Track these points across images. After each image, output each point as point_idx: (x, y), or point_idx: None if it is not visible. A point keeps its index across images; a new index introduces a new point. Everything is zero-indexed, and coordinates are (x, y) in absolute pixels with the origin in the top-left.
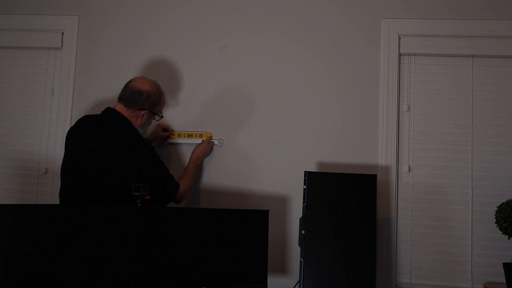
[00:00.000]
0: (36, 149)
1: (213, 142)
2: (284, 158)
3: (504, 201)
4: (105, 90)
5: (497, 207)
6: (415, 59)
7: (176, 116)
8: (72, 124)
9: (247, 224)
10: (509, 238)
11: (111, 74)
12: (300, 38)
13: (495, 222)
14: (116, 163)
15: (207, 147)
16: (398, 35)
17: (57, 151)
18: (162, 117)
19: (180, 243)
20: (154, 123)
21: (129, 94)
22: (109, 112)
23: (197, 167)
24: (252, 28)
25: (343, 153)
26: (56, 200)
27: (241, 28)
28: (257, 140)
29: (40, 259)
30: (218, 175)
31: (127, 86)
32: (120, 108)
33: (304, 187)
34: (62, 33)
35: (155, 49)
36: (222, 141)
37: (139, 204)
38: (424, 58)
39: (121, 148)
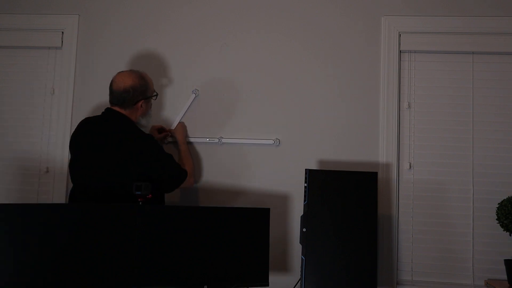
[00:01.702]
0: (37, 149)
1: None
2: (285, 156)
3: (505, 197)
4: (105, 90)
5: (498, 203)
6: (415, 56)
7: (177, 115)
8: (73, 124)
9: (248, 222)
10: (510, 235)
11: (111, 74)
12: (300, 37)
13: (496, 219)
14: (123, 161)
15: (183, 125)
16: (398, 32)
17: (57, 151)
18: (157, 94)
19: (181, 242)
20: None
21: (118, 97)
22: (109, 112)
23: (187, 145)
24: (252, 28)
25: (344, 151)
26: (56, 199)
27: (241, 28)
28: (258, 139)
29: (41, 257)
30: (219, 173)
31: (112, 90)
32: (118, 108)
33: (305, 185)
34: (62, 32)
35: (155, 48)
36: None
37: (140, 203)
38: (424, 55)
39: (126, 146)
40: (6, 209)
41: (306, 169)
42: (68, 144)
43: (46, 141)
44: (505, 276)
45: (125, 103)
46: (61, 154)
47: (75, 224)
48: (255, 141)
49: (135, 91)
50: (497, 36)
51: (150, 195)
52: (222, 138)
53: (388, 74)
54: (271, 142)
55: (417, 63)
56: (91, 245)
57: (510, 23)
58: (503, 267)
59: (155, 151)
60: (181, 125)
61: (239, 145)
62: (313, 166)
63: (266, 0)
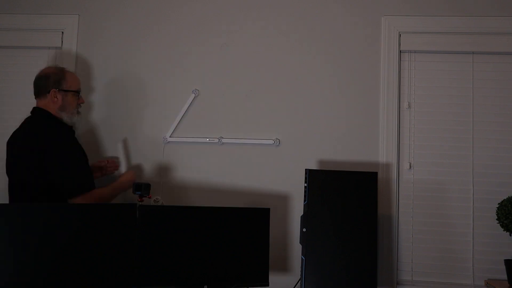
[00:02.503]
0: None
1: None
2: (285, 156)
3: (505, 197)
4: (105, 89)
5: (498, 203)
6: (415, 56)
7: (177, 115)
8: None
9: (248, 222)
10: (510, 235)
11: (111, 73)
12: (300, 37)
13: (496, 219)
14: (25, 157)
15: (133, 175)
16: (399, 32)
17: None
18: (79, 93)
19: (181, 242)
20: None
21: (35, 85)
22: (33, 110)
23: (120, 190)
24: (252, 28)
25: (344, 151)
26: None
27: (241, 28)
28: (258, 139)
29: (41, 257)
30: (219, 173)
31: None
32: (37, 102)
33: (305, 185)
34: (62, 32)
35: (155, 48)
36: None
37: (140, 203)
38: (424, 55)
39: (28, 142)
40: (6, 209)
41: (306, 169)
42: None
43: None
44: (505, 276)
45: (40, 91)
46: None
47: (75, 224)
48: (255, 141)
49: (48, 78)
50: (497, 36)
51: (150, 195)
52: (222, 138)
53: (388, 74)
54: (271, 142)
55: (417, 63)
56: (91, 245)
57: (510, 23)
58: (503, 267)
59: (58, 157)
60: (132, 174)
61: (239, 145)
62: (313, 166)
63: (266, 0)
